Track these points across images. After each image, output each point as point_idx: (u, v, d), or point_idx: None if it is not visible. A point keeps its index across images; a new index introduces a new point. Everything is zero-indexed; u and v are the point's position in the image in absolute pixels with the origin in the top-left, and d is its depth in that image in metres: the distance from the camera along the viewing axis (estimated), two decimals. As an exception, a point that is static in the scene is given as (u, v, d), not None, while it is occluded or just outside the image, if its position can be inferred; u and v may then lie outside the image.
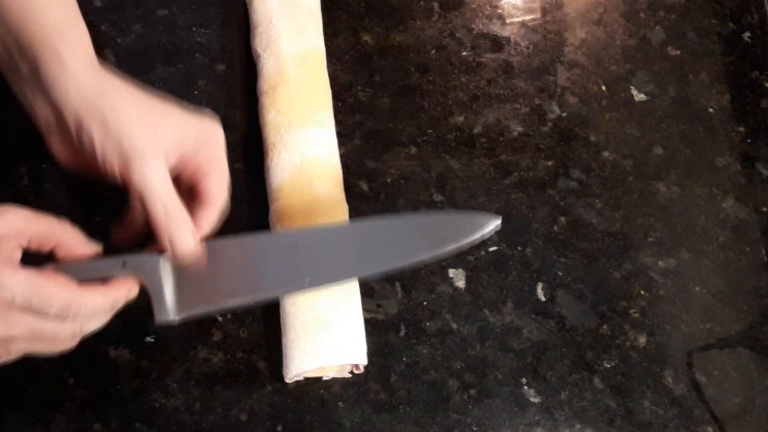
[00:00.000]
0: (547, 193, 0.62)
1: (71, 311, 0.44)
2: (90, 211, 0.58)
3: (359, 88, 0.64)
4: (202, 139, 0.51)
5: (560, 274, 0.59)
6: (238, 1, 0.65)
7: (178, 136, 0.49)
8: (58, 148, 0.52)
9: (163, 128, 0.49)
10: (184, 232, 0.48)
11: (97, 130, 0.47)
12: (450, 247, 0.48)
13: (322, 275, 0.48)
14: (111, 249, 0.49)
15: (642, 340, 0.57)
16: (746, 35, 0.69)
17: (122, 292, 0.47)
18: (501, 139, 0.63)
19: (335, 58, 0.65)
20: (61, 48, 0.48)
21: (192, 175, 0.51)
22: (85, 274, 0.46)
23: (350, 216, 0.57)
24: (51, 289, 0.44)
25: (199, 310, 0.49)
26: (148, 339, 0.54)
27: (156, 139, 0.48)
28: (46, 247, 0.47)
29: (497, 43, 0.67)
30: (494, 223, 0.48)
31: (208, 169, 0.51)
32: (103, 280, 0.47)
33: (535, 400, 0.55)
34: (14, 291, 0.43)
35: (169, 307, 0.48)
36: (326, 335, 0.53)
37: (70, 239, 0.48)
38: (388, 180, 0.61)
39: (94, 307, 0.46)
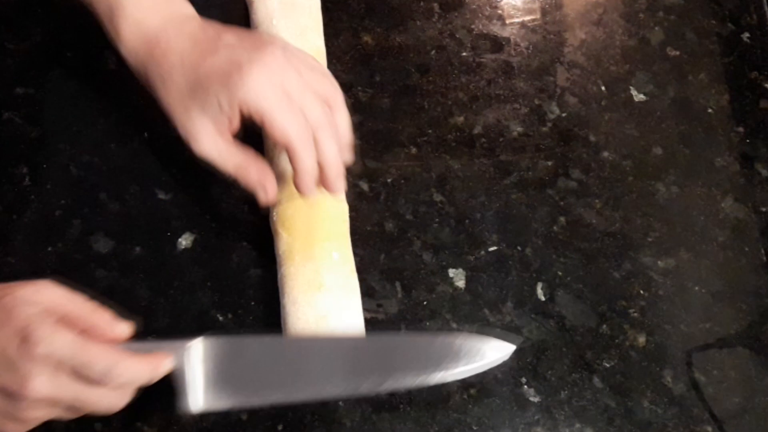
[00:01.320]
0: (547, 193, 0.62)
1: (113, 374, 0.44)
2: (92, 210, 0.58)
3: (359, 88, 0.64)
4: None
5: (560, 273, 0.59)
6: (239, 2, 0.65)
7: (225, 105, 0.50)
8: None
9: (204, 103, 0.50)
10: (265, 181, 0.51)
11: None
12: (455, 376, 0.49)
13: (337, 386, 0.49)
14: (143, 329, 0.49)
15: (641, 339, 0.57)
16: (745, 36, 0.69)
17: (162, 363, 0.47)
18: (501, 139, 0.63)
19: (335, 59, 0.65)
20: (116, 18, 0.52)
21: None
22: None
23: (351, 217, 0.57)
24: (94, 350, 0.44)
25: (223, 405, 0.49)
26: (150, 339, 0.54)
27: (201, 114, 0.50)
28: (75, 329, 0.46)
29: (497, 44, 0.67)
30: (508, 351, 0.50)
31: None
32: None
33: (535, 399, 0.55)
34: (62, 350, 0.43)
35: (193, 398, 0.48)
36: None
37: (101, 324, 0.47)
38: (388, 180, 0.61)
39: (134, 373, 0.46)
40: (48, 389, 0.43)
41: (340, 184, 0.52)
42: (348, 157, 0.53)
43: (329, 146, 0.51)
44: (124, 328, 0.47)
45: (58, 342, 0.43)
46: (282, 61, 0.50)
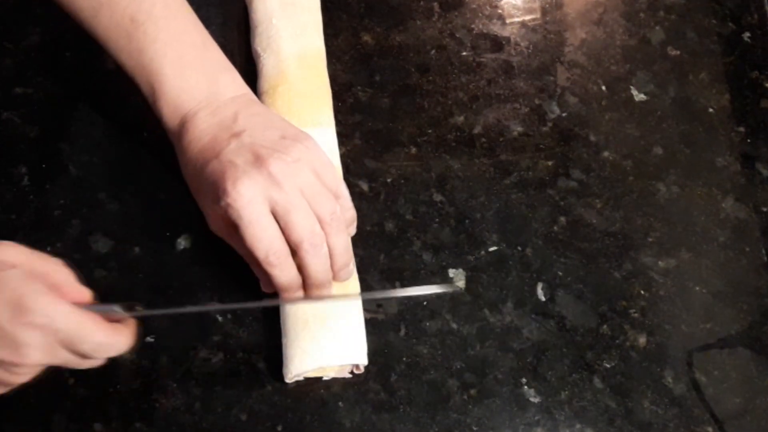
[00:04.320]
0: (547, 193, 0.62)
1: (104, 350, 0.46)
2: (92, 210, 0.58)
3: (359, 88, 0.64)
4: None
5: (560, 274, 0.59)
6: (238, 1, 0.65)
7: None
8: None
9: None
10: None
11: None
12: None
13: None
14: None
15: (642, 340, 0.57)
16: (746, 35, 0.69)
17: (137, 333, 0.48)
18: (501, 139, 0.63)
19: (335, 58, 0.65)
20: (157, 99, 0.54)
21: None
22: None
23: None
24: (89, 326, 0.45)
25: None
26: (148, 339, 0.54)
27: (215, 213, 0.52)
28: (43, 284, 0.46)
29: (497, 43, 0.67)
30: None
31: None
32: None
33: (535, 399, 0.55)
34: (60, 324, 0.44)
35: None
36: (326, 335, 0.53)
37: (65, 283, 0.47)
38: (388, 180, 0.61)
39: (119, 347, 0.47)
40: (42, 358, 0.44)
41: (325, 293, 0.53)
42: (345, 276, 0.54)
43: (311, 263, 0.51)
44: (86, 294, 0.48)
45: (56, 314, 0.44)
46: (280, 176, 0.49)
